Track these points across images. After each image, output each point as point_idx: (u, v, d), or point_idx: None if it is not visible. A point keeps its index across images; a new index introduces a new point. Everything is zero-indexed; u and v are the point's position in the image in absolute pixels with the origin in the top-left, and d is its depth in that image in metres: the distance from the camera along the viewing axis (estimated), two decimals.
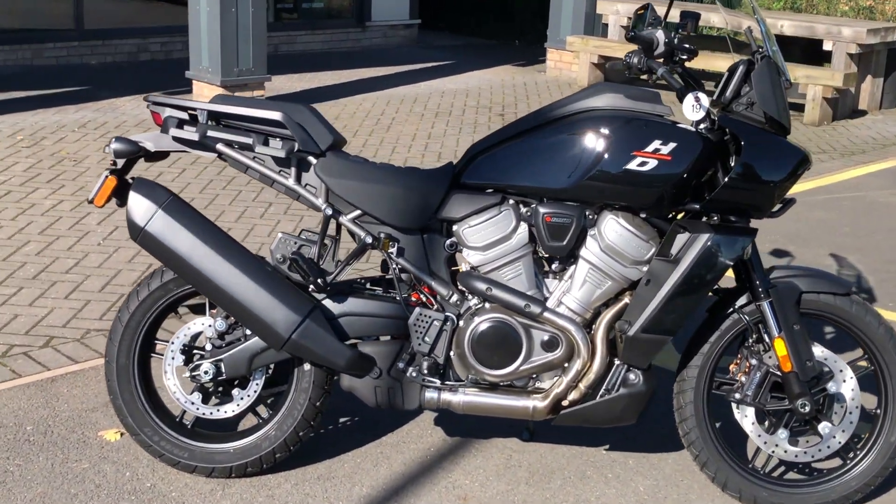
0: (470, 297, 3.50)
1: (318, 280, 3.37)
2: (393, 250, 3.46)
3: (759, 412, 3.52)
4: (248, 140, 3.39)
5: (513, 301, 3.40)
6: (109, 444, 3.78)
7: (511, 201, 3.46)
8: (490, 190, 3.45)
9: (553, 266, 3.52)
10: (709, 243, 3.27)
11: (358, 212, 3.46)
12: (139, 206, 3.36)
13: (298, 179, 3.46)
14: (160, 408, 3.61)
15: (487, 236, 3.44)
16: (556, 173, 3.36)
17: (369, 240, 3.43)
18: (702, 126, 3.36)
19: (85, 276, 5.30)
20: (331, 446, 3.84)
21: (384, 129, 8.68)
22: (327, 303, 3.45)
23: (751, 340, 3.51)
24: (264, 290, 3.33)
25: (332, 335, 3.37)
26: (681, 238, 3.35)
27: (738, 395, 3.48)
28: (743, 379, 3.49)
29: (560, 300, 3.47)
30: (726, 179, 3.27)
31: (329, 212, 3.44)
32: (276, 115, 3.35)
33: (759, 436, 3.53)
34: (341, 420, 4.03)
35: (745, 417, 3.54)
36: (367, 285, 3.62)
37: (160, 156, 3.54)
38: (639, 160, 3.30)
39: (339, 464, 3.73)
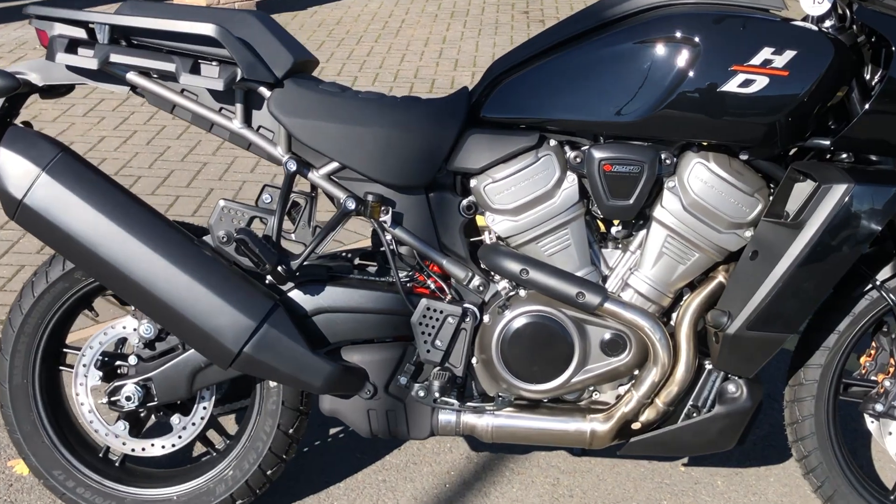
0: (498, 281, 2.48)
1: (279, 267, 2.36)
2: (386, 218, 2.43)
3: None
4: (169, 66, 2.35)
5: (559, 287, 2.38)
6: (22, 478, 2.83)
7: (553, 142, 2.41)
8: (522, 127, 2.41)
9: (615, 234, 2.48)
10: (849, 197, 2.21)
11: (334, 164, 2.43)
12: (14, 170, 2.33)
13: (247, 120, 2.43)
14: (78, 442, 2.63)
15: (520, 194, 2.40)
16: (616, 101, 2.31)
17: (352, 204, 2.40)
18: (828, 24, 2.28)
19: None
20: (317, 473, 2.87)
21: (392, 34, 7.54)
22: (294, 297, 2.44)
23: None
24: (200, 284, 2.32)
25: (300, 344, 2.36)
26: (803, 189, 2.31)
27: (880, 406, 2.46)
28: (888, 384, 2.47)
29: (626, 282, 2.44)
30: (869, 103, 2.21)
31: (292, 166, 2.40)
32: (207, 30, 2.29)
33: None
34: (330, 433, 3.05)
35: (890, 435, 2.53)
36: (354, 264, 2.60)
37: (58, 91, 2.51)
38: (741, 77, 2.23)
39: (327, 499, 2.77)
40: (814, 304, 2.31)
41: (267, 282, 2.41)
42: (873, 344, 2.56)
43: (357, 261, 2.63)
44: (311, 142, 2.39)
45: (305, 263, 2.43)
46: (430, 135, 2.40)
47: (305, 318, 2.44)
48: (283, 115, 2.37)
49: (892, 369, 2.49)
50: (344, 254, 2.66)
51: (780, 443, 2.94)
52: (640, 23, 2.32)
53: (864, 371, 2.57)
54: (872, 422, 2.55)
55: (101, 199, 2.32)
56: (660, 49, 2.27)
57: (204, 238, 2.43)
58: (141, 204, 2.38)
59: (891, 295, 2.43)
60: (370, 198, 2.40)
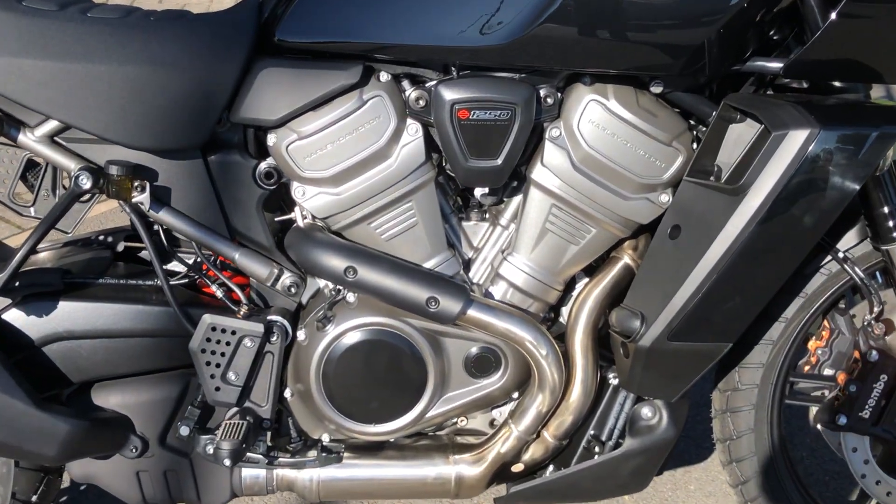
0: (315, 281, 1.74)
1: None
2: (142, 198, 1.64)
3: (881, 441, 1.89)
4: None
5: (401, 292, 1.64)
6: None
7: (384, 77, 1.65)
8: (338, 55, 1.64)
9: (479, 200, 1.76)
10: (812, 146, 1.51)
11: (54, 123, 1.63)
12: None
13: None
14: None
15: (340, 155, 1.65)
16: (471, 15, 1.56)
17: (86, 181, 1.61)
18: None
19: None
20: None
21: None
22: (9, 321, 1.65)
23: (867, 316, 1.83)
24: None
25: (16, 396, 1.58)
26: (742, 135, 1.61)
27: (843, 419, 1.82)
28: (853, 388, 1.82)
29: (497, 271, 1.72)
30: (840, 5, 1.51)
31: None
32: None
33: (879, 482, 1.91)
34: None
35: (855, 452, 1.90)
36: (113, 255, 1.82)
37: None
38: None
39: None
40: (762, 303, 1.63)
41: None
42: (825, 324, 1.91)
43: (121, 246, 1.85)
44: (9, 91, 1.57)
45: (24, 270, 1.64)
46: (200, 71, 1.60)
47: (29, 352, 1.65)
48: None
49: (855, 365, 1.85)
50: (100, 239, 1.87)
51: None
52: None
53: (813, 360, 1.92)
54: (830, 433, 1.92)
55: None
56: None
57: None
58: None
59: (856, 268, 1.77)
60: (114, 170, 1.61)
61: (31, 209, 1.73)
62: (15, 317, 1.65)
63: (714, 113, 1.63)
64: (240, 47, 1.62)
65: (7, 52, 1.54)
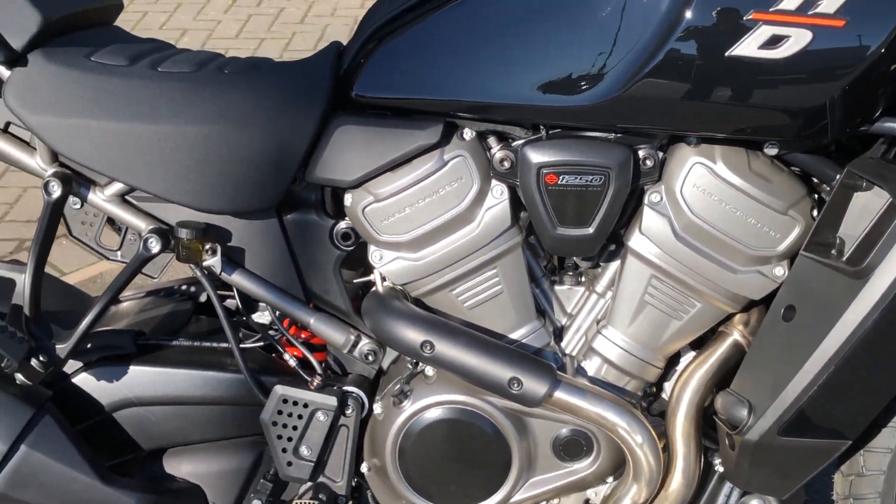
0: (393, 351, 1.63)
1: (33, 359, 1.51)
2: (213, 261, 1.56)
3: None
4: None
5: (484, 371, 1.51)
6: None
7: (467, 135, 1.52)
8: (418, 112, 1.52)
9: (573, 266, 1.61)
10: None
11: (120, 185, 1.57)
12: None
13: None
14: None
15: (419, 218, 1.53)
16: (562, 71, 1.41)
17: (155, 245, 1.54)
18: None
19: None
20: None
21: None
22: (77, 385, 1.59)
23: None
24: None
25: (84, 469, 1.52)
26: (867, 207, 1.42)
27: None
28: None
29: (590, 344, 1.58)
30: None
31: (55, 190, 1.52)
32: None
33: None
34: None
35: None
36: (184, 311, 1.75)
37: None
38: (765, 32, 1.33)
39: None
40: (886, 398, 1.44)
41: (17, 380, 1.56)
42: None
43: (203, 296, 1.78)
44: (73, 153, 1.51)
45: (95, 331, 1.58)
46: (274, 129, 1.50)
47: (98, 418, 1.60)
48: (26, 112, 1.48)
49: None
50: (183, 289, 1.80)
51: None
52: None
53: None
54: None
55: None
56: None
57: None
58: None
59: None
60: (184, 233, 1.53)
61: (118, 253, 1.67)
62: (85, 381, 1.60)
63: (837, 179, 1.44)
64: (316, 104, 1.52)
65: (74, 113, 1.48)
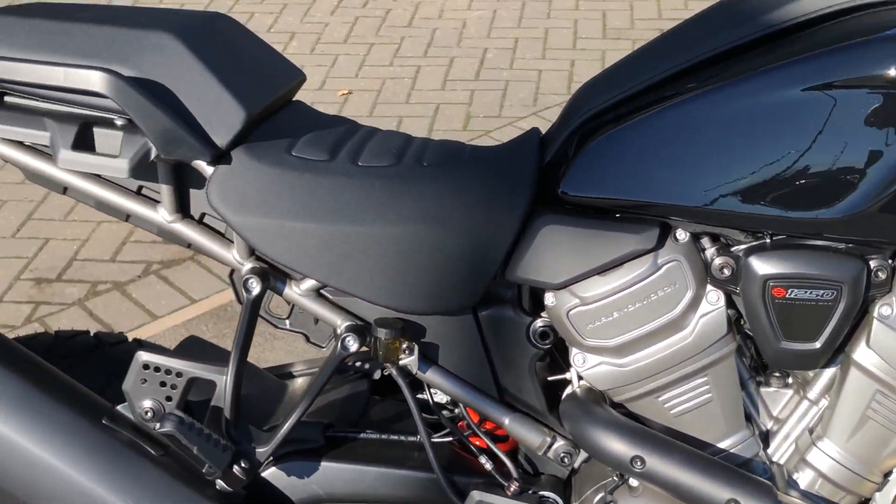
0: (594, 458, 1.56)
1: (235, 465, 1.47)
2: (410, 360, 1.51)
3: None
4: (41, 135, 1.42)
5: (699, 491, 1.44)
6: None
7: (681, 237, 1.44)
8: (630, 213, 1.45)
9: (774, 373, 1.53)
10: None
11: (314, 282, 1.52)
12: None
13: (182, 207, 1.51)
14: None
15: (628, 324, 1.45)
16: (800, 181, 1.33)
17: (353, 343, 1.49)
18: None
19: None
20: None
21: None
22: (268, 479, 1.55)
23: None
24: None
25: None
26: None
27: None
28: None
29: (803, 456, 1.49)
30: None
31: (254, 287, 1.48)
32: (92, 81, 1.35)
33: None
34: None
35: None
36: (361, 392, 1.69)
37: None
38: None
39: None
40: None
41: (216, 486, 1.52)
42: None
43: (377, 374, 1.72)
44: (274, 253, 1.46)
45: (282, 447, 1.53)
46: (476, 228, 1.44)
47: None
48: (230, 211, 1.44)
49: None
50: (357, 365, 1.75)
51: None
52: (837, 46, 1.31)
53: None
54: None
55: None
56: (879, 95, 1.27)
57: (118, 410, 1.52)
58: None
59: None
60: (383, 333, 1.48)
61: (287, 321, 1.63)
62: (275, 476, 1.56)
63: None
64: (520, 201, 1.45)
65: (276, 213, 1.43)
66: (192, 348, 1.65)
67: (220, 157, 1.43)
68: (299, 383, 1.69)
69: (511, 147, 1.55)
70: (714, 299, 1.44)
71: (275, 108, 1.53)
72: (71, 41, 1.43)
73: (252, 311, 1.48)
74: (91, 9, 1.52)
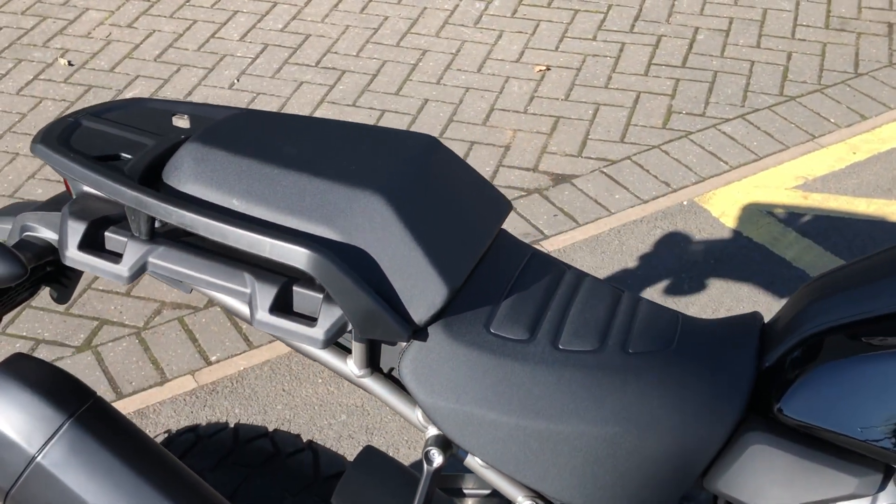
0: None
1: None
2: None
3: None
4: (240, 290, 1.37)
5: None
6: None
7: None
8: (851, 448, 1.31)
9: None
10: None
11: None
12: (24, 416, 1.46)
13: (372, 361, 1.45)
14: None
15: None
16: None
17: (437, 457, 1.43)
18: None
19: None
20: None
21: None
22: None
23: None
24: None
25: None
26: None
27: None
28: None
29: None
30: None
31: (436, 458, 1.41)
32: (298, 258, 1.29)
33: None
34: None
35: None
36: None
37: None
38: None
39: None
40: None
41: None
42: None
43: None
44: (462, 440, 1.38)
45: None
46: (681, 434, 1.34)
47: None
48: (421, 392, 1.36)
49: None
50: None
51: None
52: None
53: None
54: None
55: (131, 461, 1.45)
56: None
57: None
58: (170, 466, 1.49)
59: None
60: None
61: None
62: None
63: None
64: (733, 408, 1.33)
65: (469, 400, 1.35)
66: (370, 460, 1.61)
67: (414, 334, 1.35)
68: None
69: (728, 335, 1.42)
70: None
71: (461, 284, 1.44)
72: (280, 193, 1.36)
73: (432, 482, 1.42)
74: (303, 141, 1.45)
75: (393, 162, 1.43)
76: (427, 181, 1.41)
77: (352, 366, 1.44)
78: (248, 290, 1.36)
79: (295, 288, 1.36)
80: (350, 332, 1.36)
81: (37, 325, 2.99)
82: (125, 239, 1.40)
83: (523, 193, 3.53)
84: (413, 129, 3.82)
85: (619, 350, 1.38)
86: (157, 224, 1.40)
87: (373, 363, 1.44)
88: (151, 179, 1.45)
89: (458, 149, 3.72)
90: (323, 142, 1.48)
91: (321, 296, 1.34)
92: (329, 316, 1.33)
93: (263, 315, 1.35)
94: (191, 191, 1.40)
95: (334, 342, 1.38)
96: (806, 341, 1.33)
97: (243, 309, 1.42)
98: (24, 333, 2.96)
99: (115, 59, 4.23)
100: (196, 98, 4.00)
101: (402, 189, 1.37)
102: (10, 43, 4.33)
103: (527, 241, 3.31)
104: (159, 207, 1.33)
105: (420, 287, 1.33)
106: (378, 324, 1.30)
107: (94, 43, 4.33)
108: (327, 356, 1.45)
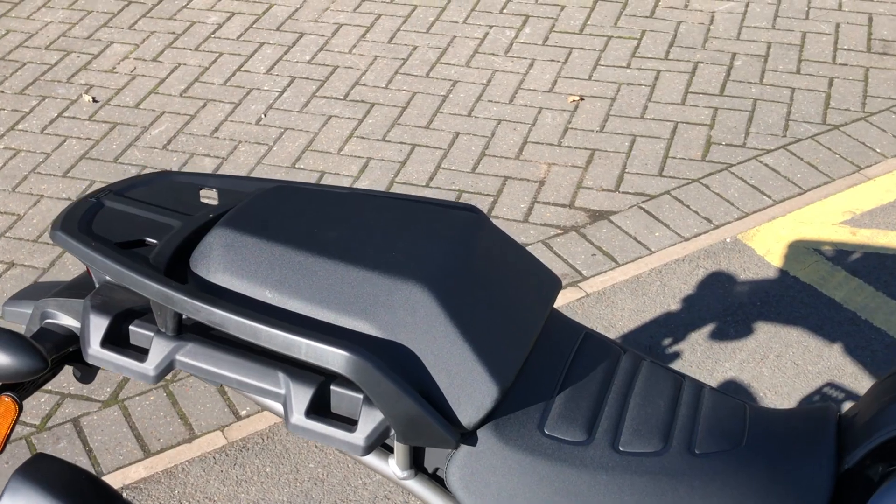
0: None
1: None
2: None
3: None
4: (274, 390, 1.28)
5: None
6: None
7: None
8: None
9: None
10: None
11: None
12: None
13: (416, 461, 1.35)
14: None
15: None
16: None
17: None
18: None
19: None
20: None
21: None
22: None
23: None
24: None
25: None
26: None
27: None
28: None
29: None
30: None
31: None
32: (338, 362, 1.19)
33: None
34: None
35: None
36: None
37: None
38: None
39: None
40: None
41: None
42: None
43: None
44: None
45: None
46: None
47: None
48: (471, 498, 1.26)
49: None
50: None
51: None
52: None
53: None
54: None
55: None
56: None
57: None
58: None
59: None
60: None
61: None
62: None
63: None
64: (819, 475, 1.23)
65: (524, 498, 1.25)
66: None
67: (461, 438, 1.25)
68: None
69: (803, 430, 1.31)
70: None
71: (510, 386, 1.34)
72: (316, 284, 1.26)
73: None
74: (338, 221, 1.35)
75: (435, 244, 1.32)
76: (472, 265, 1.31)
77: (394, 466, 1.34)
78: (282, 391, 1.26)
79: (333, 388, 1.26)
80: (393, 434, 1.26)
81: (62, 379, 2.91)
82: (151, 334, 1.30)
83: (560, 231, 3.42)
84: (444, 163, 3.72)
85: (685, 451, 1.27)
86: (184, 317, 1.31)
87: (417, 463, 1.34)
88: (179, 267, 1.35)
89: (492, 184, 3.62)
90: (359, 220, 1.38)
91: (361, 396, 1.24)
92: (370, 419, 1.23)
93: (299, 419, 1.25)
94: (220, 281, 1.30)
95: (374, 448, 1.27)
96: (889, 444, 1.21)
97: (278, 408, 1.32)
98: (50, 388, 2.88)
99: (140, 95, 4.16)
100: (222, 135, 3.92)
101: (446, 277, 1.27)
102: (34, 79, 4.27)
103: (565, 282, 3.20)
104: (186, 303, 1.24)
105: (468, 388, 1.23)
106: (423, 430, 1.20)
107: (119, 78, 4.27)
108: (375, 461, 1.35)
